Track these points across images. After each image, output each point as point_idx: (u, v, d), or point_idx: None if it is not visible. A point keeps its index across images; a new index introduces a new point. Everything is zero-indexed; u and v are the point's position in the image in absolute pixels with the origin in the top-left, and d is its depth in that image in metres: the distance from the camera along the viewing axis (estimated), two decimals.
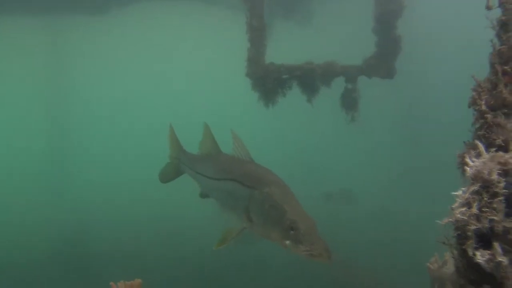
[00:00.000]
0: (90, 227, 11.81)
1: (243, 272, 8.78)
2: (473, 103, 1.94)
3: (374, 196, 13.60)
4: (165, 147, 4.85)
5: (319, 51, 7.42)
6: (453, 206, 1.86)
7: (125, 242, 10.25)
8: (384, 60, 7.25)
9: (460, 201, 1.84)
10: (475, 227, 1.80)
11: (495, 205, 1.79)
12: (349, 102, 7.41)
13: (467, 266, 1.90)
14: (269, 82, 6.46)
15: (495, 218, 1.79)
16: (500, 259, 1.79)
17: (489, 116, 1.89)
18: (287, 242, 3.03)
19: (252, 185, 3.38)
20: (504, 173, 1.80)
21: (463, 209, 1.82)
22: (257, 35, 6.45)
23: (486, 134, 1.90)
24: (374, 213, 11.98)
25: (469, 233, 1.82)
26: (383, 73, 7.29)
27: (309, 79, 6.69)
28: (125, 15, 14.42)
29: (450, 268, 3.75)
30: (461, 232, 1.86)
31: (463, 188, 1.85)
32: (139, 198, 14.59)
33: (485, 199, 1.80)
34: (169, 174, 4.71)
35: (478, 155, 1.85)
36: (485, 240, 1.85)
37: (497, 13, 1.99)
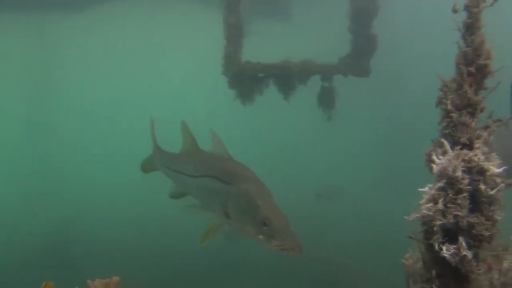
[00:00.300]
0: (81, 225, 11.74)
1: (232, 271, 8.82)
2: (440, 102, 2.01)
3: (356, 195, 13.71)
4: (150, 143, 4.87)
5: (298, 49, 7.46)
6: (420, 202, 1.92)
7: (116, 241, 10.17)
8: (359, 59, 7.35)
9: (427, 197, 1.90)
10: (441, 222, 1.87)
11: (459, 201, 1.86)
12: (326, 100, 7.49)
13: (434, 260, 1.97)
14: (245, 80, 6.49)
15: (459, 213, 1.86)
16: (464, 253, 1.86)
17: (454, 115, 1.96)
18: (261, 237, 3.12)
19: (230, 181, 3.47)
20: (468, 170, 1.87)
21: (429, 205, 1.88)
22: (234, 33, 6.47)
23: (451, 133, 1.97)
24: (358, 212, 12.09)
25: (435, 228, 1.89)
26: (359, 72, 7.39)
27: (286, 77, 6.74)
28: (106, 13, 14.29)
29: None
30: (427, 227, 1.93)
31: (429, 185, 1.92)
32: (131, 196, 14.48)
33: (450, 195, 1.87)
34: (147, 166, 4.80)
35: (444, 153, 1.92)
36: (450, 235, 1.92)
37: (463, 16, 2.06)
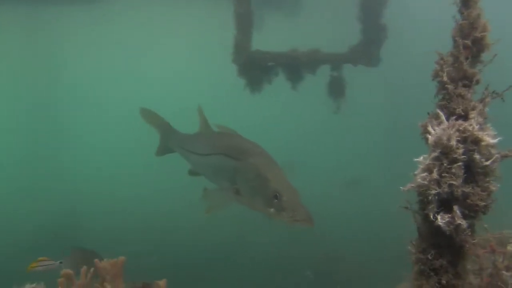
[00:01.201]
0: (76, 218, 11.73)
1: (233, 265, 8.85)
2: (436, 75, 2.03)
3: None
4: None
5: (307, 40, 7.48)
6: (415, 173, 1.95)
7: (114, 235, 10.21)
8: (368, 48, 7.35)
9: (422, 167, 1.93)
10: (436, 191, 1.90)
11: (454, 171, 1.89)
12: (336, 90, 7.50)
13: (429, 230, 2.00)
14: (254, 68, 6.54)
15: (454, 183, 1.89)
16: (459, 222, 1.89)
17: (450, 87, 1.98)
18: (271, 210, 3.18)
19: (238, 157, 3.54)
20: (463, 140, 1.90)
21: (424, 174, 1.91)
22: (244, 22, 6.51)
23: (447, 104, 1.99)
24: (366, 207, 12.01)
25: (430, 198, 1.92)
26: (368, 61, 7.40)
27: (294, 66, 6.77)
28: (107, 5, 14.34)
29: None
30: (422, 198, 1.96)
31: (424, 155, 1.95)
32: (129, 191, 14.56)
33: (445, 164, 1.89)
34: (161, 150, 4.86)
35: (440, 124, 1.94)
36: (445, 205, 1.95)
37: None
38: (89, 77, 25.16)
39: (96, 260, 3.68)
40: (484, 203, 1.92)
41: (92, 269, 3.66)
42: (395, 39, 7.63)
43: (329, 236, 9.51)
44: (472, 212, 1.93)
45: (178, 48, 22.41)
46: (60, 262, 4.64)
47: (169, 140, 4.64)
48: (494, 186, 1.95)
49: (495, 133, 1.93)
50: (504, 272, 3.11)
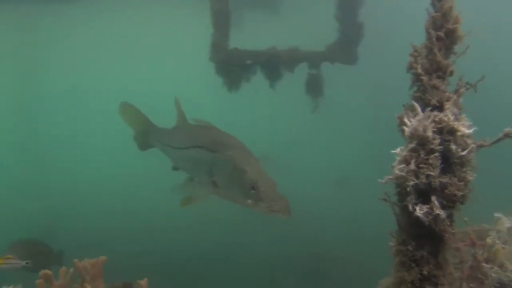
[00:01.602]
0: (60, 217, 11.62)
1: (226, 264, 8.84)
2: (410, 67, 2.05)
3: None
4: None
5: (285, 39, 7.50)
6: (392, 164, 1.96)
7: (95, 234, 10.12)
8: (346, 46, 7.40)
9: (399, 158, 1.94)
10: (414, 182, 1.91)
11: (431, 161, 1.90)
12: (314, 88, 7.53)
13: (408, 221, 2.01)
14: (232, 67, 6.52)
15: (431, 173, 1.90)
16: (437, 212, 1.90)
17: (424, 78, 2.00)
18: (249, 201, 3.19)
19: (216, 149, 3.54)
20: (439, 130, 1.91)
21: (402, 166, 1.92)
22: (221, 20, 6.49)
23: (422, 96, 2.00)
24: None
25: (409, 189, 1.93)
26: (346, 59, 7.44)
27: (273, 64, 6.77)
28: (95, 4, 14.19)
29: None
30: (401, 189, 1.97)
31: (401, 147, 1.96)
32: (119, 189, 14.45)
33: (422, 155, 1.91)
34: (143, 144, 4.77)
35: (415, 115, 1.95)
36: (424, 196, 1.96)
37: None
38: (80, 75, 24.89)
39: (75, 260, 3.64)
40: (461, 193, 1.94)
41: (71, 270, 3.61)
42: (373, 37, 7.69)
43: (320, 235, 9.59)
44: (450, 202, 1.94)
45: (165, 46, 22.29)
46: (26, 263, 4.58)
47: (149, 135, 4.59)
48: (471, 176, 1.97)
49: (470, 123, 1.95)
50: (484, 264, 3.16)
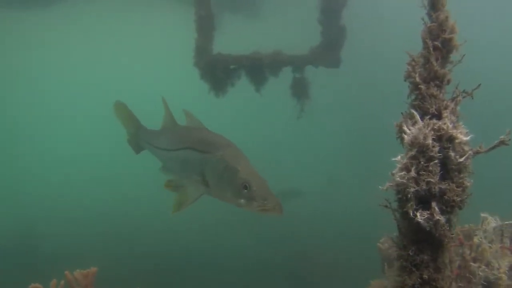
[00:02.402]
0: (40, 223, 11.46)
1: (209, 266, 8.85)
2: (408, 76, 2.09)
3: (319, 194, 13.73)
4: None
5: (267, 43, 7.54)
6: (393, 172, 2.00)
7: (77, 239, 10.01)
8: (329, 49, 7.47)
9: (400, 166, 1.98)
10: (414, 189, 1.96)
11: (431, 168, 1.95)
12: (298, 91, 7.59)
13: (409, 227, 2.05)
14: (217, 71, 6.53)
15: (431, 180, 1.95)
16: (438, 218, 1.95)
17: (422, 87, 2.05)
18: (242, 200, 3.21)
19: (206, 150, 3.55)
20: (438, 138, 1.96)
21: (402, 173, 1.97)
22: (205, 25, 6.50)
23: (420, 104, 2.05)
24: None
25: (409, 196, 1.97)
26: (329, 63, 7.52)
27: (257, 68, 6.80)
28: (71, 7, 14.03)
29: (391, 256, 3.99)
30: (401, 195, 2.01)
31: (401, 154, 2.00)
32: (98, 194, 14.28)
33: (422, 163, 1.95)
34: (136, 148, 4.73)
35: (414, 123, 2.00)
36: (423, 202, 2.01)
37: None
38: (47, 80, 24.51)
39: (66, 272, 3.61)
40: (460, 198, 1.99)
41: (62, 282, 3.58)
42: (356, 40, 7.79)
43: (304, 236, 9.64)
44: (449, 207, 1.99)
45: (147, 51, 22.13)
46: None
47: (139, 137, 4.56)
48: (468, 182, 2.02)
49: (467, 130, 2.01)
50: (472, 263, 3.25)
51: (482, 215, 3.54)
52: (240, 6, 13.34)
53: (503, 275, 3.23)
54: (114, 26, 17.61)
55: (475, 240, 3.38)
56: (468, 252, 3.30)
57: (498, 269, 3.27)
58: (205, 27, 6.51)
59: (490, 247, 3.34)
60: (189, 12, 6.76)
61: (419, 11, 2.18)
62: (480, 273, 3.19)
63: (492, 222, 3.53)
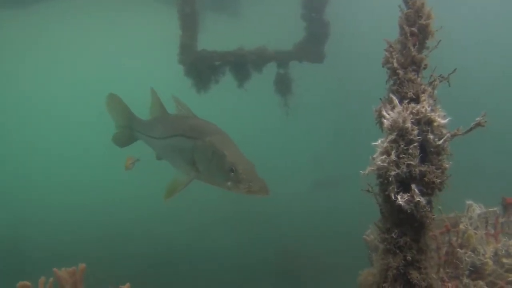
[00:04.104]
0: (26, 227, 11.34)
1: (200, 263, 8.83)
2: (386, 62, 2.13)
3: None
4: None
5: (251, 40, 7.56)
6: (373, 156, 2.04)
7: (71, 243, 9.93)
8: (313, 45, 7.51)
9: (380, 150, 2.02)
10: (395, 172, 1.99)
11: (411, 151, 1.99)
12: (282, 87, 7.62)
13: (391, 210, 2.09)
14: (202, 68, 6.55)
15: (412, 162, 1.99)
16: (418, 199, 1.99)
17: (400, 72, 2.09)
18: (229, 183, 3.32)
19: (196, 136, 3.65)
20: (417, 121, 2.00)
21: (383, 157, 2.00)
22: (189, 22, 6.51)
23: (399, 89, 2.09)
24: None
25: (390, 179, 2.01)
26: (313, 58, 7.56)
27: (241, 65, 6.83)
28: (55, 7, 13.91)
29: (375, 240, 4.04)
30: (383, 179, 2.05)
31: (381, 139, 2.04)
32: (84, 197, 14.18)
33: (402, 146, 1.99)
34: (123, 141, 4.73)
35: (393, 108, 2.04)
36: (404, 185, 2.04)
37: None
38: (42, 82, 24.28)
39: (55, 269, 3.59)
40: (439, 180, 2.03)
41: (50, 279, 3.56)
42: (340, 35, 7.84)
43: (289, 234, 9.67)
44: (429, 189, 2.03)
45: (132, 51, 22.01)
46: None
47: (133, 128, 4.58)
48: (447, 164, 2.07)
49: (445, 113, 2.05)
50: (458, 249, 3.31)
51: (467, 202, 3.62)
52: (221, 5, 13.32)
53: (489, 260, 3.30)
54: (103, 23, 17.49)
55: (461, 226, 3.45)
56: (455, 238, 3.36)
57: (483, 254, 3.34)
58: (190, 25, 6.51)
59: (476, 234, 3.41)
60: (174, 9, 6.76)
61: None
62: (467, 259, 3.25)
63: (477, 209, 3.61)
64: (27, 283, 3.43)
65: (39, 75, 23.77)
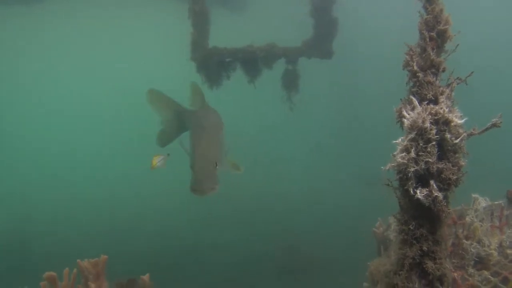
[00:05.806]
0: (30, 225, 11.41)
1: (200, 259, 8.92)
2: (406, 64, 2.27)
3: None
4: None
5: (255, 36, 7.65)
6: (394, 153, 2.18)
7: (68, 240, 9.98)
8: (321, 41, 7.63)
9: (400, 148, 2.16)
10: (414, 168, 2.13)
11: (429, 149, 2.13)
12: (289, 83, 7.74)
13: (409, 203, 2.23)
14: (213, 64, 6.68)
15: (430, 160, 2.13)
16: (436, 194, 2.13)
17: (420, 75, 2.22)
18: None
19: (196, 130, 3.99)
20: (435, 121, 2.14)
21: (403, 154, 2.14)
22: (200, 19, 6.64)
23: (418, 91, 2.23)
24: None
25: (409, 175, 2.15)
26: (321, 54, 7.68)
27: (251, 61, 6.95)
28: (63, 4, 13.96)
29: (393, 231, 4.19)
30: (402, 175, 2.19)
31: (402, 137, 2.18)
32: (86, 194, 14.26)
33: (421, 144, 2.13)
34: (169, 136, 4.67)
35: (413, 108, 2.17)
36: (422, 181, 2.19)
37: None
38: (43, 80, 24.30)
39: (78, 260, 3.73)
40: (455, 177, 2.17)
41: (74, 270, 3.70)
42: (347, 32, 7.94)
43: (295, 230, 9.73)
44: (445, 185, 2.17)
45: (141, 47, 22.02)
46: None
47: (184, 120, 4.51)
48: (463, 161, 2.21)
49: (462, 114, 2.19)
50: (464, 241, 3.46)
51: (473, 195, 3.77)
52: (226, 1, 13.36)
53: (494, 251, 3.44)
54: (107, 22, 17.51)
55: (467, 219, 3.60)
56: (460, 230, 3.51)
57: (488, 246, 3.48)
58: (201, 22, 6.64)
59: (481, 226, 3.55)
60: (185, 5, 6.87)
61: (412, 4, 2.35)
62: (472, 250, 3.40)
63: (483, 202, 3.76)
64: (53, 273, 3.57)
65: (43, 72, 23.78)
